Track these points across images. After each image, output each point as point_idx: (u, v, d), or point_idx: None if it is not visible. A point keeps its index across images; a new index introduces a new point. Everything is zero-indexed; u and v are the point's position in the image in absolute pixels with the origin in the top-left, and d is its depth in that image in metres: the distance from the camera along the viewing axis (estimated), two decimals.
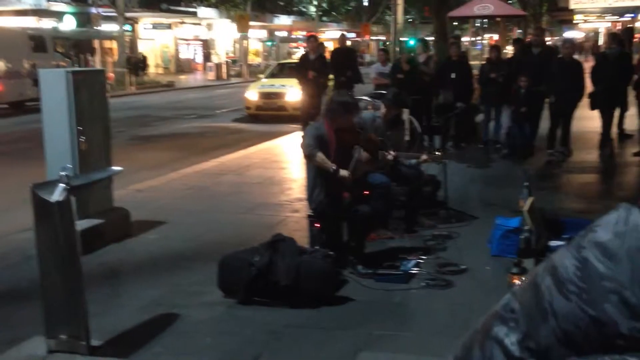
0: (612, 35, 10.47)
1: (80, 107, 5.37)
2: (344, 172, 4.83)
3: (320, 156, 4.83)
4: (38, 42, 19.49)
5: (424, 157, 5.91)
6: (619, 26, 32.22)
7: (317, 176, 4.92)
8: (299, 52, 37.03)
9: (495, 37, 40.11)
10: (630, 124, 10.37)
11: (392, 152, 5.51)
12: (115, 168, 5.43)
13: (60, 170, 3.52)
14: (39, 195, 3.47)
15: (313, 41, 11.86)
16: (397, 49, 16.30)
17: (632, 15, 26.90)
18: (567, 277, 0.63)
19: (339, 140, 4.93)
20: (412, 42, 11.76)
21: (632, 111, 9.71)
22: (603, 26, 38.58)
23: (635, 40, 25.97)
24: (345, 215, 4.97)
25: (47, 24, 29.54)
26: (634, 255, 0.58)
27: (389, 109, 6.07)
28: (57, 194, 3.43)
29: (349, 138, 5.02)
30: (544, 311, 0.64)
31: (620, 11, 26.36)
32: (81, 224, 5.21)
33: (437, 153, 5.96)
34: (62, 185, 3.44)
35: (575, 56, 10.26)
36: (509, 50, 18.50)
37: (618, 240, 0.60)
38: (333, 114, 5.02)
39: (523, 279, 0.71)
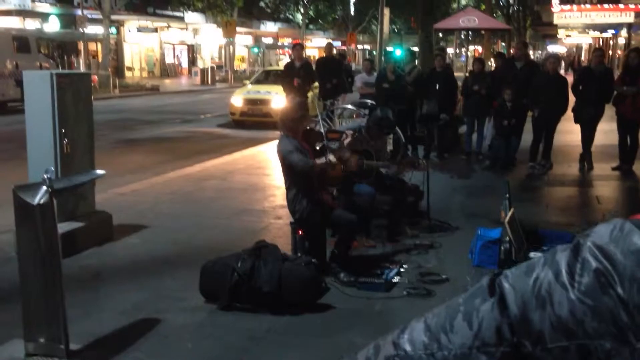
0: (600, 52, 10.61)
1: (65, 110, 5.35)
2: (330, 158, 4.93)
3: (316, 163, 4.89)
4: (22, 43, 19.31)
5: (411, 162, 5.90)
6: (600, 42, 32.76)
7: (299, 187, 4.94)
8: (284, 60, 37.07)
9: (480, 49, 40.52)
10: (610, 139, 10.51)
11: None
12: (98, 171, 5.40)
13: (42, 173, 3.50)
14: (21, 197, 3.44)
15: (299, 49, 11.91)
16: (382, 58, 16.40)
17: (614, 31, 27.37)
18: (567, 271, 0.70)
19: (310, 145, 5.05)
20: (398, 53, 11.80)
21: (611, 126, 9.86)
22: (585, 41, 39.23)
23: (617, 56, 26.41)
24: (328, 222, 5.00)
25: (31, 24, 29.32)
26: (627, 257, 0.67)
27: (370, 134, 6.03)
28: (39, 197, 3.41)
29: (314, 138, 5.19)
30: (542, 299, 0.71)
31: (602, 27, 26.79)
32: (63, 227, 5.18)
33: (422, 161, 5.96)
34: (44, 187, 3.42)
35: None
36: (492, 63, 18.72)
37: (613, 244, 0.68)
38: (295, 121, 5.01)
39: (517, 266, 0.78)
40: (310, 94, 12.23)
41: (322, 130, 5.39)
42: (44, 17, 30.70)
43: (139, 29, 38.84)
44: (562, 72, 18.93)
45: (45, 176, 3.44)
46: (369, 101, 10.62)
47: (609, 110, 9.44)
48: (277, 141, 5.16)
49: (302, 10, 45.59)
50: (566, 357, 0.70)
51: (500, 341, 0.73)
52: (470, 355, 0.75)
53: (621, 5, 19.78)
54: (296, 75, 11.11)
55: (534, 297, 0.72)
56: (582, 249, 0.71)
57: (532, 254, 5.01)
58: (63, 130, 5.32)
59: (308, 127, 5.38)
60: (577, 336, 0.69)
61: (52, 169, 4.08)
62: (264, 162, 10.48)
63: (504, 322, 0.73)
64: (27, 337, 3.56)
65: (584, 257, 0.70)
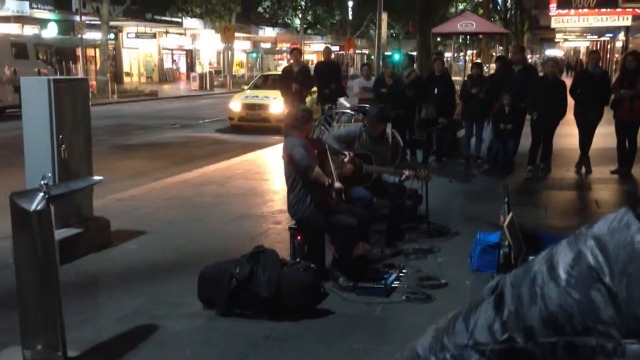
0: (596, 55, 10.63)
1: (62, 116, 5.33)
2: (338, 185, 4.96)
3: (317, 169, 4.92)
4: (20, 49, 19.31)
5: (406, 173, 5.89)
6: (598, 45, 32.84)
7: (302, 187, 4.94)
8: (283, 64, 37.07)
9: (475, 52, 40.60)
10: (608, 142, 10.52)
11: (348, 153, 5.58)
12: (96, 177, 5.38)
13: (39, 179, 3.48)
14: (18, 203, 3.42)
15: (296, 53, 11.91)
16: (381, 63, 16.41)
17: (612, 35, 27.40)
18: (560, 264, 0.71)
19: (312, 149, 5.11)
20: (397, 57, 11.82)
21: (609, 130, 9.86)
22: (583, 45, 39.32)
23: (615, 60, 26.48)
24: (328, 227, 5.00)
25: (29, 30, 29.31)
26: (620, 250, 0.66)
27: (376, 125, 6.06)
28: (36, 203, 3.39)
29: (317, 147, 5.23)
30: (534, 294, 0.71)
31: (600, 31, 26.83)
32: (60, 233, 5.17)
33: (424, 170, 5.94)
34: (41, 194, 3.40)
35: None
36: (488, 69, 18.74)
37: (610, 236, 0.68)
38: (302, 122, 5.17)
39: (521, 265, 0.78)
40: (308, 99, 12.23)
41: (323, 138, 5.48)
42: (42, 23, 30.70)
43: (138, 35, 38.85)
44: (563, 76, 18.95)
45: (42, 182, 3.43)
46: (367, 106, 10.62)
47: (607, 114, 9.45)
48: (275, 146, 5.18)
49: (300, 15, 45.65)
50: (555, 353, 0.70)
51: (492, 339, 0.74)
52: (463, 354, 0.75)
53: (618, 9, 19.81)
54: (294, 79, 11.10)
55: (528, 293, 0.72)
56: (580, 240, 0.71)
57: (531, 258, 4.98)
58: (60, 136, 5.30)
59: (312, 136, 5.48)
60: (565, 332, 0.68)
61: (50, 175, 4.07)
62: (263, 167, 10.47)
63: (497, 320, 0.74)
64: (24, 344, 3.54)
65: (579, 249, 0.70)
